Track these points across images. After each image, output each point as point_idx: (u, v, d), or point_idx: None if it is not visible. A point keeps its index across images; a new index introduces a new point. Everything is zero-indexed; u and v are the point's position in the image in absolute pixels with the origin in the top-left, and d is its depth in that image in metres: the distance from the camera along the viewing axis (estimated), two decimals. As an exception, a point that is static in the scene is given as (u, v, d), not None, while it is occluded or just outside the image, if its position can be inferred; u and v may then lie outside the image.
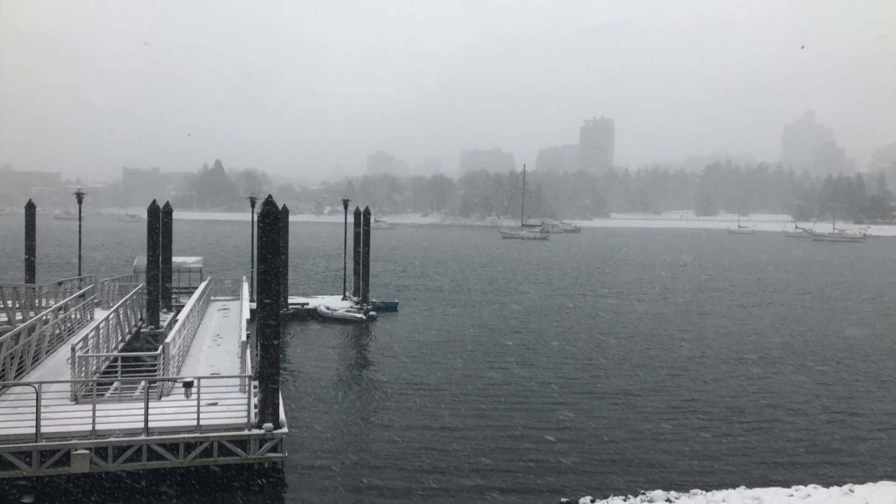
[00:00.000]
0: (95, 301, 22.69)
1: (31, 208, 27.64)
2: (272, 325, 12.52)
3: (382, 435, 14.85)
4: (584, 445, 14.40)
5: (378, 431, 15.16)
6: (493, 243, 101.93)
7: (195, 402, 11.85)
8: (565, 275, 53.73)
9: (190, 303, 20.14)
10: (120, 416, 11.80)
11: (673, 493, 11.49)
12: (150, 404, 11.75)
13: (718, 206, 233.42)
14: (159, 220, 22.54)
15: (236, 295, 27.36)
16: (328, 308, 30.70)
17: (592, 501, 11.37)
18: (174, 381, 13.63)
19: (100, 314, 20.22)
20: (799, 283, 50.25)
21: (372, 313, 30.61)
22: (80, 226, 31.88)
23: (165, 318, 23.72)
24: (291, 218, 34.12)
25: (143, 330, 21.96)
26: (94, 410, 11.36)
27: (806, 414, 17.06)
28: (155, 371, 14.09)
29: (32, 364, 14.64)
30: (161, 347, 14.05)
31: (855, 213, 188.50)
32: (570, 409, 16.90)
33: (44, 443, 11.01)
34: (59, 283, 23.62)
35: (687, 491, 11.69)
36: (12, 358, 13.26)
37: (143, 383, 12.93)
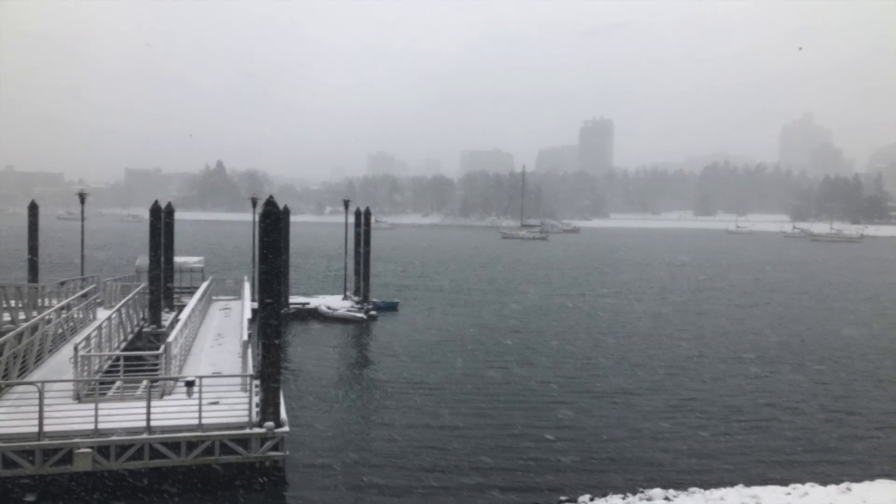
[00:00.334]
0: (98, 301, 22.78)
1: (33, 209, 27.73)
2: (273, 324, 12.61)
3: (383, 433, 14.94)
4: (583, 444, 14.49)
5: (379, 430, 15.25)
6: (492, 243, 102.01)
7: (197, 401, 11.93)
8: (564, 275, 53.82)
9: (192, 302, 20.23)
10: (122, 414, 11.88)
11: (671, 492, 11.58)
12: (153, 403, 11.83)
13: (717, 207, 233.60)
14: (161, 221, 22.64)
15: (238, 295, 27.46)
16: (329, 308, 30.79)
17: (591, 500, 11.47)
18: (176, 380, 13.72)
19: (102, 314, 20.30)
20: (796, 282, 50.35)
21: (372, 313, 30.71)
22: (82, 226, 31.98)
23: (167, 317, 23.81)
24: (292, 218, 34.20)
25: (145, 329, 22.04)
26: (96, 409, 11.44)
27: (804, 413, 17.15)
28: (157, 370, 14.17)
29: (35, 363, 14.73)
30: (163, 347, 14.14)
31: (852, 214, 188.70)
32: (570, 408, 16.99)
33: (46, 441, 11.10)
34: (62, 283, 23.71)
35: (685, 489, 11.78)
36: (15, 357, 13.35)
37: (145, 382, 13.01)
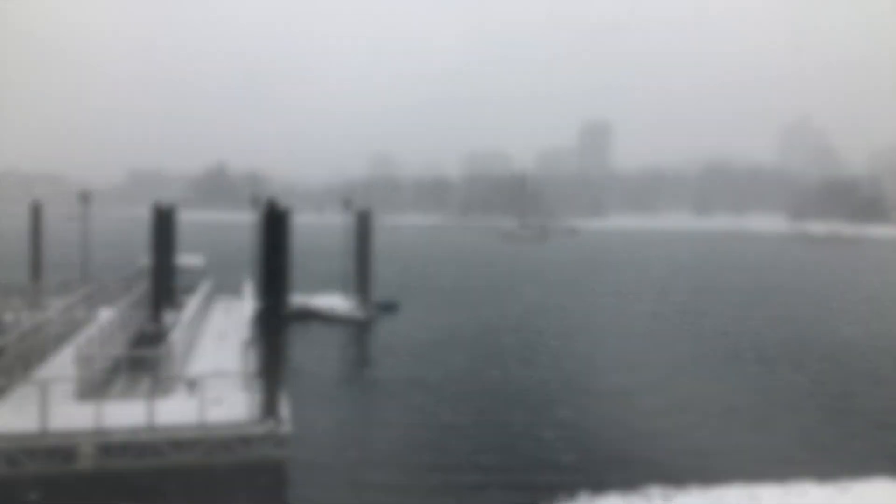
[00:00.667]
0: (100, 300, 22.86)
1: (36, 209, 27.82)
2: (275, 323, 12.68)
3: (384, 432, 15.02)
4: (582, 442, 14.57)
5: (380, 429, 15.33)
6: (492, 244, 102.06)
7: (199, 401, 12.00)
8: (564, 275, 53.89)
9: (194, 302, 20.30)
10: (124, 413, 11.95)
11: (670, 490, 11.65)
12: (155, 402, 11.90)
13: (715, 207, 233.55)
14: (163, 221, 22.72)
15: (239, 294, 27.54)
16: (330, 307, 30.87)
17: (590, 497, 11.53)
18: (178, 379, 13.78)
19: (105, 313, 20.38)
20: (794, 283, 50.40)
21: (373, 313, 30.78)
22: (85, 226, 32.05)
23: (169, 317, 23.88)
24: (293, 218, 34.30)
25: (147, 329, 22.12)
26: (98, 408, 11.51)
27: (803, 411, 17.22)
28: (159, 369, 14.24)
29: (38, 363, 14.80)
30: (165, 346, 14.21)
31: (850, 214, 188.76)
32: (569, 407, 17.07)
33: (49, 440, 11.17)
34: (65, 283, 23.78)
35: (684, 487, 11.85)
36: (18, 357, 13.42)
37: (147, 381, 13.09)
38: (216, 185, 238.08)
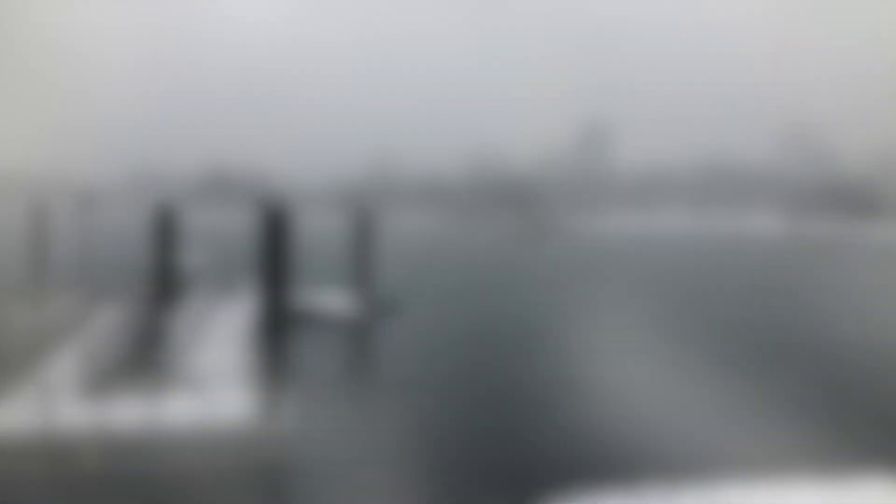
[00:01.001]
0: (103, 300, 22.93)
1: (39, 209, 27.90)
2: (276, 323, 12.74)
3: (386, 432, 15.06)
4: (581, 440, 14.64)
5: (381, 429, 15.37)
6: (493, 245, 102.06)
7: (200, 400, 12.07)
8: (563, 274, 53.93)
9: (196, 302, 20.37)
10: (126, 413, 12.01)
11: (668, 487, 11.69)
12: (156, 402, 11.97)
13: (714, 207, 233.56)
14: (167, 220, 22.79)
15: (242, 293, 27.62)
16: (331, 306, 30.90)
17: (589, 496, 11.59)
18: (179, 378, 13.85)
19: (107, 312, 20.45)
20: (793, 283, 50.45)
21: (376, 312, 30.82)
22: (87, 226, 32.09)
23: (172, 315, 23.95)
24: (297, 217, 34.38)
25: (150, 328, 22.20)
26: (100, 408, 11.58)
27: (802, 410, 17.29)
28: (161, 369, 14.31)
29: (41, 362, 14.85)
30: (167, 346, 14.28)
31: (850, 215, 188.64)
32: (569, 406, 17.14)
33: (52, 441, 11.22)
34: (68, 283, 23.84)
35: (682, 485, 11.89)
36: (21, 357, 13.48)
37: (149, 381, 13.16)
38: (218, 184, 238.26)
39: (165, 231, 23.68)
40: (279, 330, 12.83)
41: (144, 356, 16.69)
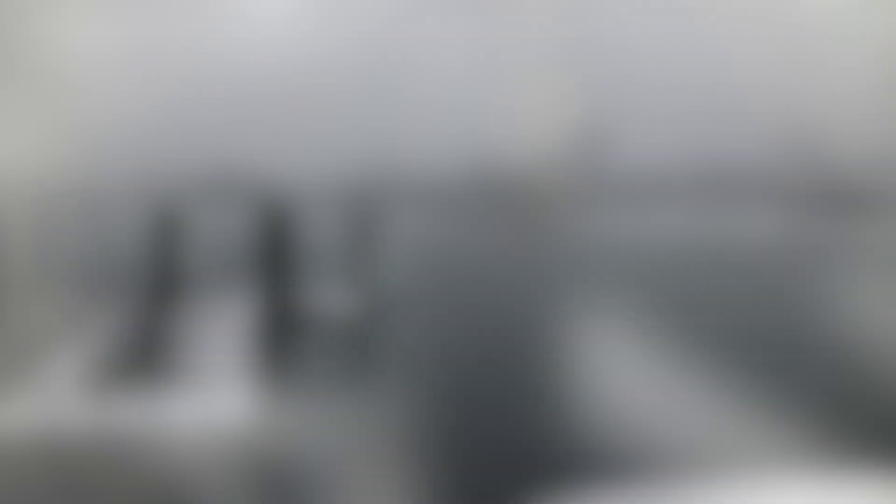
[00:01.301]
0: (103, 300, 22.99)
1: (40, 209, 27.96)
2: (277, 323, 12.80)
3: (383, 431, 15.11)
4: (580, 438, 14.69)
5: (381, 426, 15.42)
6: (493, 245, 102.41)
7: (201, 400, 12.13)
8: (563, 274, 54.11)
9: (196, 301, 20.40)
10: (127, 412, 12.08)
11: (667, 486, 11.76)
12: (156, 402, 12.02)
13: (712, 206, 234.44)
14: (168, 218, 22.82)
15: (242, 293, 27.70)
16: (332, 306, 30.97)
17: (587, 494, 11.64)
18: (181, 378, 13.90)
19: (107, 312, 20.51)
20: (793, 282, 50.59)
21: (376, 311, 30.87)
22: (87, 226, 32.18)
23: (173, 315, 24.01)
24: (298, 217, 34.52)
25: (150, 328, 22.25)
26: (100, 409, 11.63)
27: (803, 410, 17.32)
28: (162, 368, 14.37)
29: (41, 362, 14.89)
30: (168, 345, 14.31)
31: (848, 214, 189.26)
32: (569, 404, 17.17)
33: (51, 441, 11.28)
34: (68, 283, 23.86)
35: (682, 483, 11.95)
36: (21, 356, 13.51)
37: (149, 381, 13.20)
38: (218, 183, 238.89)
39: (166, 230, 23.77)
40: (280, 329, 12.89)
41: (145, 356, 16.75)
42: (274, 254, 13.11)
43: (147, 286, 26.27)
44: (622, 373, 21.48)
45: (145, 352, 16.27)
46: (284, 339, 13.46)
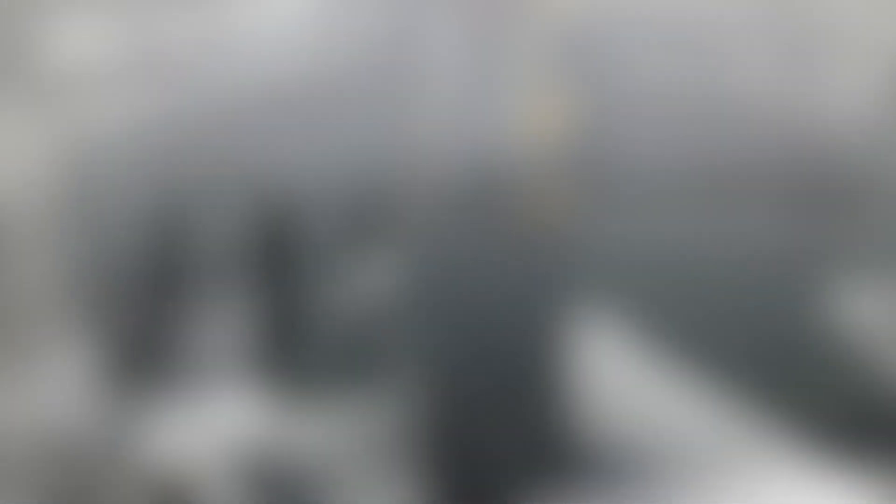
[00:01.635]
0: (104, 299, 23.08)
1: (40, 208, 28.06)
2: (278, 322, 12.82)
3: (386, 430, 15.17)
4: (579, 436, 14.75)
5: (382, 426, 15.48)
6: (493, 244, 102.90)
7: (201, 399, 12.17)
8: (562, 274, 54.35)
9: (197, 301, 20.47)
10: (127, 412, 12.13)
11: (666, 486, 11.78)
12: (156, 402, 12.06)
13: (711, 205, 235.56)
14: (169, 218, 22.88)
15: (243, 293, 27.85)
16: (333, 306, 31.06)
17: (586, 494, 11.68)
18: (180, 379, 13.95)
19: (108, 312, 20.61)
20: (793, 283, 50.82)
21: (377, 311, 30.96)
22: (87, 225, 32.27)
23: (173, 315, 24.10)
24: (299, 216, 34.62)
25: (150, 328, 22.37)
26: (100, 409, 11.66)
27: (804, 410, 17.37)
28: (162, 369, 14.45)
29: (41, 362, 14.94)
30: (168, 345, 14.37)
31: (847, 214, 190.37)
32: (568, 403, 17.23)
33: (51, 441, 11.31)
34: (68, 283, 23.90)
35: (681, 482, 11.97)
36: (21, 356, 13.56)
37: (149, 381, 13.25)
38: (219, 183, 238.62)
39: (168, 230, 23.81)
40: (282, 330, 12.87)
41: (145, 356, 16.75)
42: (276, 254, 13.12)
43: (148, 286, 26.46)
44: (621, 373, 21.65)
45: (145, 352, 16.30)
46: (286, 340, 13.46)
